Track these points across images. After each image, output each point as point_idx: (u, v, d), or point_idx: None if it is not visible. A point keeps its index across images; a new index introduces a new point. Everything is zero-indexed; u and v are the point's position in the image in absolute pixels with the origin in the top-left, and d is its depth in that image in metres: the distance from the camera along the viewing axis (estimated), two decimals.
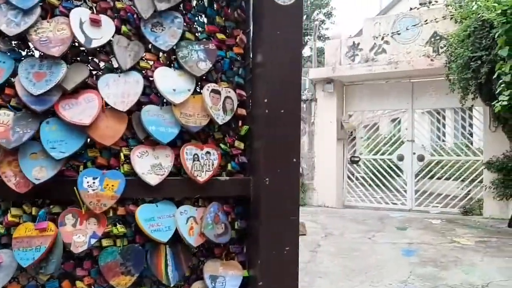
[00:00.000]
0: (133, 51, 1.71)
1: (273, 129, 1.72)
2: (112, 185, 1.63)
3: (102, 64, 1.72)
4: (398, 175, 10.48)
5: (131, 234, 1.70)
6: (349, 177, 10.71)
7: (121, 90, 1.67)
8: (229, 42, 1.84)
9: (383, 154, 10.54)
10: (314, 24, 11.54)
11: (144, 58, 1.74)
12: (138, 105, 1.71)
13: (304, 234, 6.69)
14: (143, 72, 1.73)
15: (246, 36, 1.86)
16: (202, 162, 1.74)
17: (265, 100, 1.72)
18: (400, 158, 10.01)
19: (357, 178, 10.85)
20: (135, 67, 1.71)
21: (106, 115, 1.66)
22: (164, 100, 1.76)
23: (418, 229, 7.32)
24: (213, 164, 1.76)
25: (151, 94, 1.74)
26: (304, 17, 20.27)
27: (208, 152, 1.77)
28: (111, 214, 1.66)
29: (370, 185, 10.77)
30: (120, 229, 1.66)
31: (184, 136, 1.79)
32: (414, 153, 9.81)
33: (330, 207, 10.16)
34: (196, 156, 1.74)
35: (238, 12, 1.85)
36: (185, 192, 1.75)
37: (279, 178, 1.72)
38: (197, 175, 1.72)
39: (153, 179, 1.67)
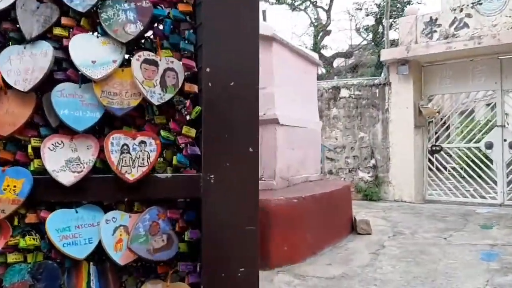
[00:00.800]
0: (44, 15, 1.35)
1: (218, 108, 1.27)
2: (14, 186, 1.29)
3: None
4: (488, 166, 9.26)
5: (47, 248, 1.34)
6: (430, 169, 9.68)
7: (24, 65, 1.32)
8: None
9: (469, 142, 9.39)
10: (386, 1, 10.57)
11: (60, 24, 1.37)
12: (54, 84, 1.35)
13: (369, 234, 6.02)
14: (59, 42, 1.36)
15: None
16: (133, 155, 1.34)
17: (207, 70, 1.27)
18: (489, 146, 8.80)
19: (439, 170, 9.76)
20: (46, 36, 1.35)
21: (7, 98, 1.33)
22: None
23: (506, 227, 6.29)
24: (149, 158, 1.35)
25: (68, 69, 1.36)
26: None
27: (142, 142, 1.36)
28: (18, 223, 1.32)
29: (454, 177, 9.64)
30: (29, 241, 1.32)
31: (116, 122, 1.40)
32: (505, 140, 8.57)
33: (408, 202, 9.23)
34: (125, 147, 1.34)
35: None
36: (113, 194, 1.35)
37: (228, 175, 1.27)
38: (126, 172, 1.32)
39: (66, 178, 1.30)
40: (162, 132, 1.39)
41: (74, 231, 1.31)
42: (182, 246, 1.39)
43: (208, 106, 1.27)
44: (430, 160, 9.67)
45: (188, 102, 1.41)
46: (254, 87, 1.28)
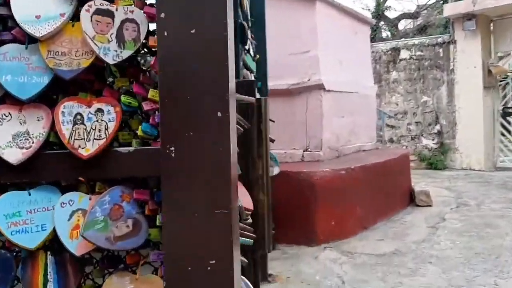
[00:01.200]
0: None
1: (177, 63, 1.01)
2: None
3: None
4: None
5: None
6: (503, 134, 8.85)
7: None
8: None
9: None
10: None
11: None
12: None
13: (430, 205, 5.57)
14: None
15: None
16: (88, 126, 1.13)
17: (162, 15, 1.01)
18: None
19: None
20: None
21: None
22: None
23: None
24: (107, 128, 1.13)
25: (15, 28, 1.16)
26: None
27: (99, 110, 1.14)
28: None
29: None
30: None
31: (71, 88, 1.19)
32: None
33: (477, 170, 8.52)
34: (79, 117, 1.13)
35: None
36: (68, 173, 1.15)
37: (192, 146, 1.02)
38: (79, 146, 1.11)
39: (14, 155, 1.12)
40: (123, 97, 1.16)
41: (25, 217, 1.13)
42: (154, 232, 1.17)
43: (165, 60, 1.01)
44: (502, 124, 8.84)
45: (153, 60, 1.17)
46: (221, 34, 1.01)
